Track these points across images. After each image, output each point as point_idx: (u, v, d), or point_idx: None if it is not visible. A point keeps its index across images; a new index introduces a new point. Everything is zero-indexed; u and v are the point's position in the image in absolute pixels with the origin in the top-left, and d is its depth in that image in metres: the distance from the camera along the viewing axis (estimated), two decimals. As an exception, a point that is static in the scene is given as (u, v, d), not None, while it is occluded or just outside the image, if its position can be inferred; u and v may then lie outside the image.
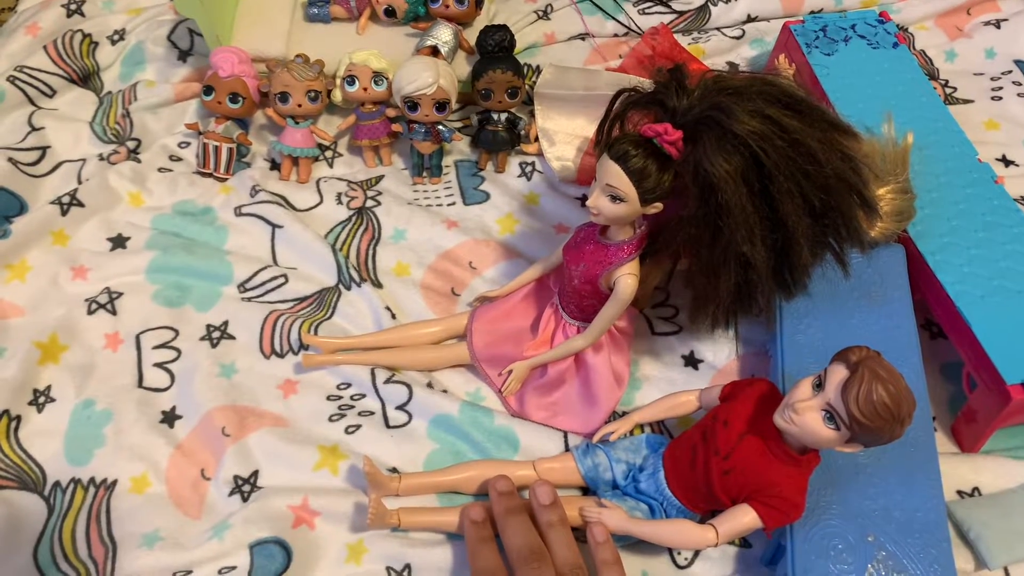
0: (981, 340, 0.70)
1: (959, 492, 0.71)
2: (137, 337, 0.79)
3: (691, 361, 0.79)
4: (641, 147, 0.63)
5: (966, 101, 1.01)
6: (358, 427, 0.73)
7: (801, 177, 0.61)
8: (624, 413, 0.74)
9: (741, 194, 0.60)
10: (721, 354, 0.79)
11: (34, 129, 0.93)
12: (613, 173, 0.63)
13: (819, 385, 0.56)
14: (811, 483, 0.61)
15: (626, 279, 0.68)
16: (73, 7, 1.03)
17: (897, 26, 0.98)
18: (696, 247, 0.65)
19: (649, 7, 1.08)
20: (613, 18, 1.05)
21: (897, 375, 0.53)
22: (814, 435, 0.55)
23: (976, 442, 0.73)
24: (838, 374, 0.54)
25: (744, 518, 0.60)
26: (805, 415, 0.55)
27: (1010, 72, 1.04)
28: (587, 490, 0.70)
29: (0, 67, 0.97)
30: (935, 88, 0.91)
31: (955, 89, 1.02)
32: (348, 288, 0.82)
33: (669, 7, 1.08)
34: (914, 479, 0.65)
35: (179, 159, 0.93)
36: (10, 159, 0.88)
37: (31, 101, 0.96)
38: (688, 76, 0.65)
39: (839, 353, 0.56)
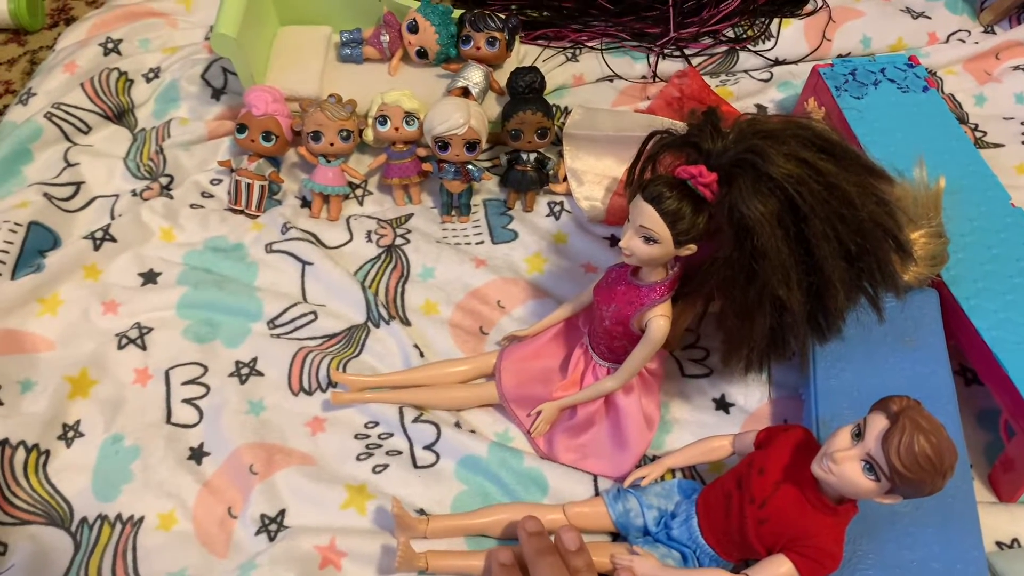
0: (1019, 387, 0.69)
1: (998, 543, 0.69)
2: (166, 373, 0.79)
3: (722, 404, 0.78)
4: (675, 189, 0.63)
5: (996, 145, 1.00)
6: (386, 467, 0.73)
7: (837, 221, 0.61)
8: (655, 457, 0.73)
9: (777, 237, 0.60)
10: (752, 398, 0.78)
11: (69, 165, 0.94)
12: (647, 214, 0.63)
13: (858, 434, 0.54)
14: (847, 532, 0.60)
15: (658, 320, 0.67)
16: (110, 46, 1.05)
17: (926, 70, 0.98)
18: (730, 289, 0.65)
19: (673, 51, 1.09)
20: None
21: (939, 426, 0.52)
22: (853, 486, 0.54)
23: (1015, 491, 0.71)
24: (878, 424, 0.53)
25: (780, 569, 0.59)
26: (844, 465, 0.54)
27: (1040, 116, 1.03)
28: (617, 535, 0.69)
29: (38, 104, 0.99)
30: (965, 132, 0.91)
31: (985, 133, 1.02)
32: (377, 326, 0.82)
33: (688, 62, 1.08)
34: (952, 530, 0.64)
35: (211, 196, 0.94)
36: (45, 194, 0.89)
37: (67, 137, 0.97)
38: (722, 119, 0.65)
39: (879, 402, 0.55)
